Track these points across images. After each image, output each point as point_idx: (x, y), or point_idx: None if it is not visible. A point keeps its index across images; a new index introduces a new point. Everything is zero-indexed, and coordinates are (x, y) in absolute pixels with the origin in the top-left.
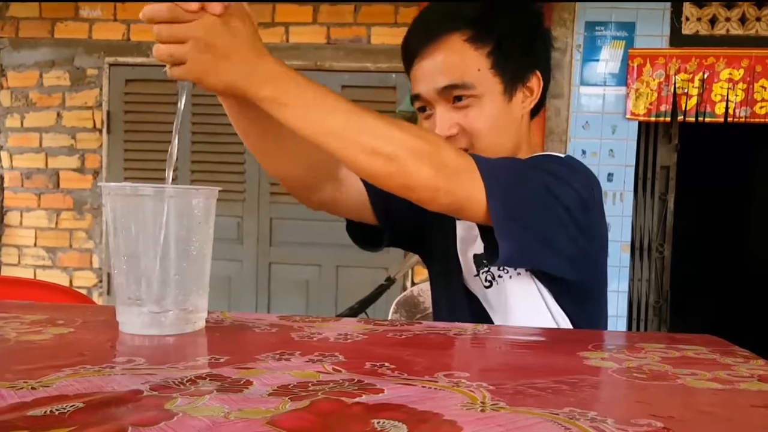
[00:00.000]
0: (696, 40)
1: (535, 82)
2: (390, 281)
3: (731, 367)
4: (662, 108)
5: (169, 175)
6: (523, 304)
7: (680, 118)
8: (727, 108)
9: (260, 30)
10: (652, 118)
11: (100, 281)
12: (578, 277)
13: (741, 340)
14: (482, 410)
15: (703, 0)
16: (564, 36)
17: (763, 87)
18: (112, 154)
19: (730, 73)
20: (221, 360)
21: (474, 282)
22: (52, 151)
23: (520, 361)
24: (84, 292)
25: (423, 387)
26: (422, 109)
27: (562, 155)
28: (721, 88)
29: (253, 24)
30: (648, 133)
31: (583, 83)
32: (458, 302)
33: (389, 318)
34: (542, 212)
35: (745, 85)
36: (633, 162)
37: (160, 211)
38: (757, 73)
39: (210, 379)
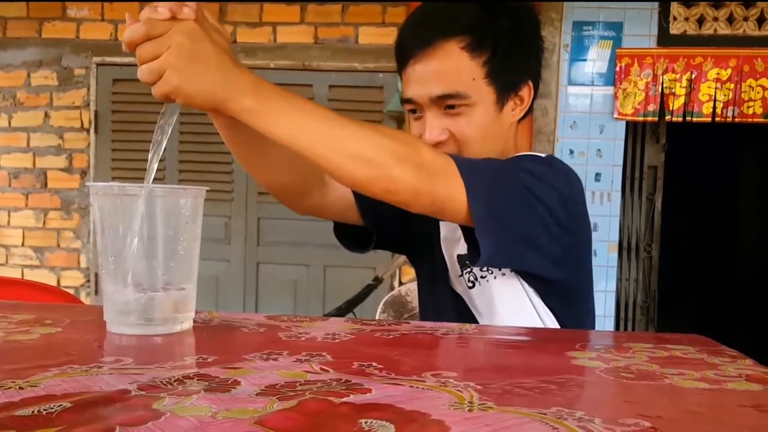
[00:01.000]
0: (683, 40)
1: (526, 92)
2: (377, 281)
3: (719, 367)
4: (650, 108)
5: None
6: (508, 304)
7: (668, 117)
8: (714, 108)
9: (247, 29)
10: (640, 118)
11: (88, 281)
12: (562, 276)
13: (728, 340)
14: (470, 410)
15: (690, 0)
16: (552, 36)
17: (750, 87)
18: (99, 153)
19: (718, 73)
20: (209, 360)
21: (459, 282)
22: (39, 150)
23: (507, 361)
24: (71, 291)
25: (411, 387)
26: (413, 111)
27: (543, 155)
28: (709, 87)
29: (226, 36)
30: (635, 132)
31: (570, 83)
32: (444, 302)
33: (377, 318)
34: (523, 212)
35: (732, 85)
36: (620, 162)
37: (147, 211)
38: (745, 73)
39: (198, 379)
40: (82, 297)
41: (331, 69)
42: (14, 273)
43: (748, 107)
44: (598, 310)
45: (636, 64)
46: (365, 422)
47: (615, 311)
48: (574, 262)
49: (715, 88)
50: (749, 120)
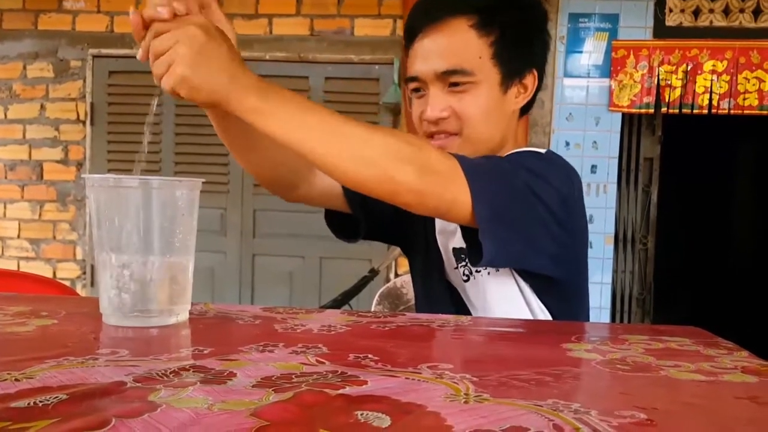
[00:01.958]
0: (679, 32)
1: (531, 80)
2: (373, 273)
3: (715, 359)
4: (646, 100)
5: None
6: (501, 299)
7: (664, 109)
8: (710, 100)
9: (243, 21)
10: (636, 110)
11: (84, 273)
12: (560, 274)
13: (724, 332)
14: (466, 402)
15: None
16: (547, 28)
17: (746, 78)
18: (95, 145)
19: (714, 65)
20: (205, 352)
21: (454, 275)
22: (35, 142)
23: (503, 353)
24: (67, 283)
25: (406, 379)
26: (416, 90)
27: (542, 150)
28: (705, 79)
29: (232, 36)
30: (631, 124)
31: (566, 75)
32: (440, 294)
33: (372, 310)
34: (525, 212)
35: (728, 77)
36: (616, 154)
37: (143, 203)
38: (741, 65)
39: (193, 371)
40: (78, 289)
41: (326, 61)
42: (10, 265)
43: (744, 99)
44: (594, 302)
45: (632, 56)
46: (361, 414)
47: (611, 303)
48: (571, 260)
49: (711, 80)
50: (745, 112)
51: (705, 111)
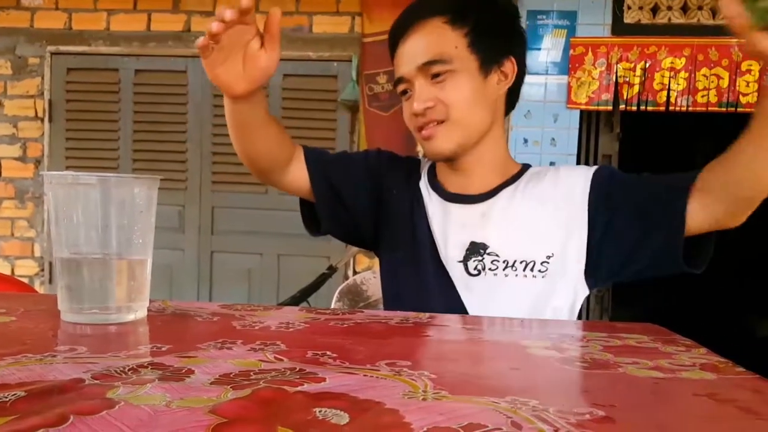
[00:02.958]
0: (638, 29)
1: (510, 67)
2: (332, 270)
3: (673, 356)
4: (604, 97)
5: None
6: (514, 303)
7: (622, 106)
8: (668, 97)
9: (201, 18)
10: (594, 107)
11: (42, 270)
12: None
13: (683, 329)
14: (424, 399)
15: None
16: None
17: (704, 76)
18: (53, 142)
19: (672, 62)
20: (163, 349)
21: (456, 267)
22: None
23: (462, 350)
24: (26, 280)
25: (365, 376)
26: (404, 92)
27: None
28: (663, 76)
29: None
30: (590, 121)
31: None
32: (426, 285)
33: (332, 306)
34: None
35: (686, 74)
36: (575, 151)
37: (102, 200)
38: (699, 62)
39: (152, 368)
40: (36, 286)
41: (285, 58)
42: None
43: (702, 96)
44: None
45: (590, 53)
46: (319, 411)
47: None
48: None
49: (669, 77)
50: (703, 109)
51: (663, 108)
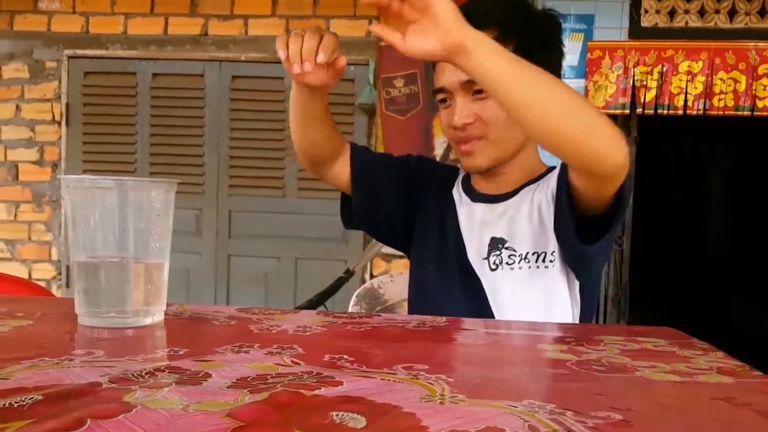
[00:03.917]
0: (655, 33)
1: None
2: (349, 274)
3: (690, 360)
4: (621, 101)
5: None
6: (529, 294)
7: (639, 110)
8: (686, 100)
9: (218, 22)
10: (611, 111)
11: (59, 274)
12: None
13: (700, 333)
14: (441, 403)
15: None
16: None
17: (721, 79)
18: (70, 146)
19: (689, 66)
20: (180, 352)
21: (482, 264)
22: (10, 143)
23: (479, 354)
24: (43, 284)
25: (382, 379)
26: (443, 101)
27: None
28: (680, 80)
29: None
30: None
31: None
32: (452, 285)
33: (349, 310)
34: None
35: (704, 78)
36: None
37: (119, 204)
38: (716, 66)
39: (169, 372)
40: (54, 290)
41: None
42: None
43: (719, 100)
44: None
45: (607, 57)
46: (336, 415)
47: None
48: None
49: (687, 80)
50: (720, 113)
51: (680, 112)
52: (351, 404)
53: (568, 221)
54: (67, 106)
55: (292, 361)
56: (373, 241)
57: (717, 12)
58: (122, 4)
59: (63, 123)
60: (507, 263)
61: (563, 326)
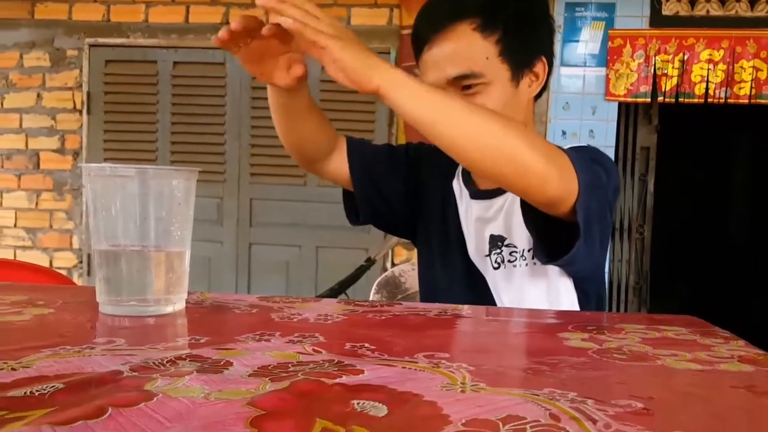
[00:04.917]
0: (676, 21)
1: (541, 68)
2: (370, 262)
3: (711, 348)
4: (642, 89)
5: None
6: (533, 288)
7: (660, 99)
8: (707, 89)
9: (238, 10)
10: (632, 99)
11: (80, 262)
12: (599, 268)
13: (721, 321)
14: (462, 391)
15: None
16: (550, 13)
17: (742, 68)
18: (92, 134)
19: (710, 54)
20: (201, 341)
21: (483, 261)
22: (32, 131)
23: (500, 342)
24: (64, 272)
25: (403, 368)
26: None
27: (588, 147)
28: (701, 68)
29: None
30: (628, 114)
31: (563, 64)
32: (458, 277)
33: (370, 299)
34: (605, 229)
35: (725, 66)
36: (613, 143)
37: (140, 192)
38: (737, 54)
39: (190, 360)
40: (75, 278)
41: None
42: (7, 254)
43: (740, 88)
44: None
45: (628, 45)
46: (357, 403)
47: (607, 292)
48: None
49: (708, 69)
50: (741, 101)
51: (701, 100)
52: (372, 393)
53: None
54: (88, 94)
55: (314, 350)
56: None
57: (738, 0)
58: None
59: (84, 111)
60: (509, 260)
61: (584, 315)
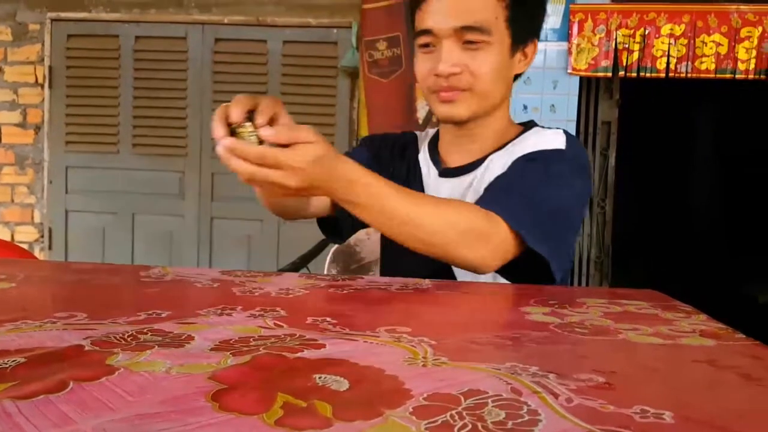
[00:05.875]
0: None
1: (531, 49)
2: None
3: (673, 322)
4: (603, 63)
5: None
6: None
7: (621, 73)
8: (668, 63)
9: None
10: (594, 74)
11: (42, 236)
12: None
13: (682, 295)
14: (424, 365)
15: None
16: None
17: (703, 42)
18: (53, 109)
19: (672, 29)
20: (163, 315)
21: None
22: None
23: (462, 317)
24: (26, 246)
25: (365, 342)
26: (425, 45)
27: (563, 144)
28: (663, 43)
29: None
30: (589, 88)
31: None
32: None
33: (326, 268)
34: (564, 232)
35: (686, 41)
36: (574, 117)
37: None
38: (699, 28)
39: (151, 334)
40: (36, 252)
41: (285, 25)
42: None
43: (701, 63)
44: None
45: (590, 20)
46: (319, 377)
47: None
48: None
49: (669, 43)
50: (702, 75)
51: (662, 75)
52: (334, 367)
53: None
54: (50, 68)
55: (275, 324)
56: None
57: None
58: None
59: (46, 86)
60: None
61: (546, 289)
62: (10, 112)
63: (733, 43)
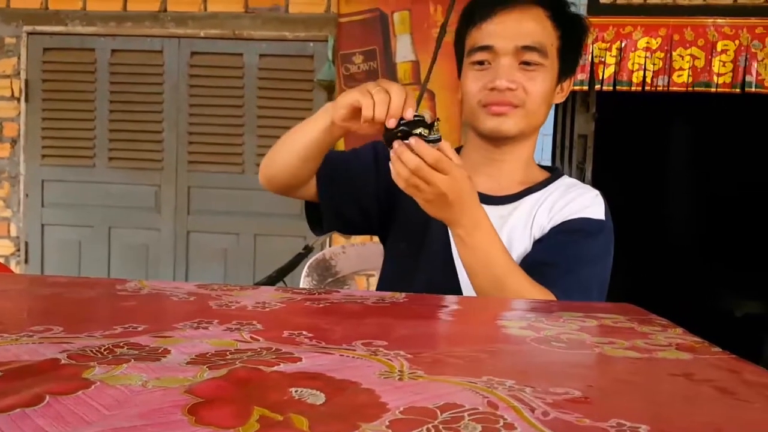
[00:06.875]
0: (613, 9)
1: (567, 84)
2: (308, 250)
3: (649, 336)
4: (580, 77)
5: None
6: None
7: (598, 87)
8: (644, 77)
9: None
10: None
11: (18, 250)
12: None
13: (658, 309)
14: (400, 379)
15: None
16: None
17: (680, 56)
18: (30, 122)
19: (648, 42)
20: (139, 329)
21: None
22: None
23: (438, 330)
24: (2, 260)
25: (341, 356)
26: (479, 63)
27: (602, 214)
28: (639, 56)
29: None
30: (566, 102)
31: None
32: (436, 274)
33: (302, 281)
34: (601, 299)
35: (662, 54)
36: (551, 131)
37: None
38: (675, 42)
39: (128, 348)
40: (12, 266)
41: (261, 38)
42: None
43: (678, 76)
44: None
45: None
46: (295, 391)
47: None
48: None
49: (645, 57)
50: (679, 89)
51: (639, 88)
52: (310, 380)
53: None
54: (27, 82)
55: (251, 337)
56: None
57: None
58: None
59: (22, 99)
60: None
61: (523, 303)
62: None
63: (709, 57)
